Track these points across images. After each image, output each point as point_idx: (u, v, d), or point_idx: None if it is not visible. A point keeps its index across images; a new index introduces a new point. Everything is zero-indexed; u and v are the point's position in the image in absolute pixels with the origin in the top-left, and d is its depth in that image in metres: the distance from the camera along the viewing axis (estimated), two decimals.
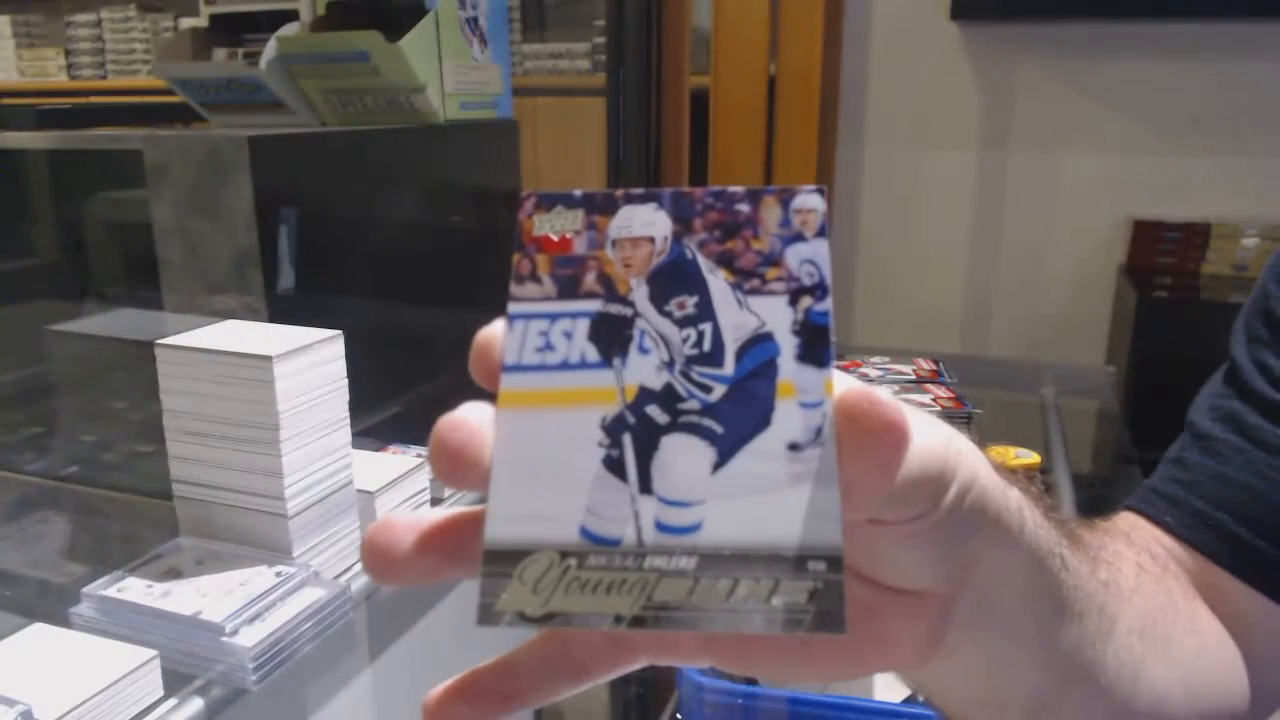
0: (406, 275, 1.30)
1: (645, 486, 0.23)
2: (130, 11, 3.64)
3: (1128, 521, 0.50)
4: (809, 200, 0.24)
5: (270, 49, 1.25)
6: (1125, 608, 0.38)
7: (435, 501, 0.98)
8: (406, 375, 1.27)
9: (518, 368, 0.23)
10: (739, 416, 0.23)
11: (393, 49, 1.22)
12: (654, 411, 0.23)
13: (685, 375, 0.23)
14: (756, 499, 0.22)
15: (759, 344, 0.23)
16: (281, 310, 1.03)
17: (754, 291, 0.24)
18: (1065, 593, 0.32)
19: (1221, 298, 2.06)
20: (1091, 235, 2.26)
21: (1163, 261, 2.17)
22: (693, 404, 0.23)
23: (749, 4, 2.14)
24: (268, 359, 0.75)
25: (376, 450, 1.01)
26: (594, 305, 0.24)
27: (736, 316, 0.23)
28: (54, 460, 1.10)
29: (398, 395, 1.23)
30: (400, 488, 0.92)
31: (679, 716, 0.91)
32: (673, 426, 0.23)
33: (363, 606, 0.86)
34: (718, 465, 0.22)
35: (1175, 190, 2.18)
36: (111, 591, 0.75)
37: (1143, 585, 0.41)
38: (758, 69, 2.18)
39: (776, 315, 0.23)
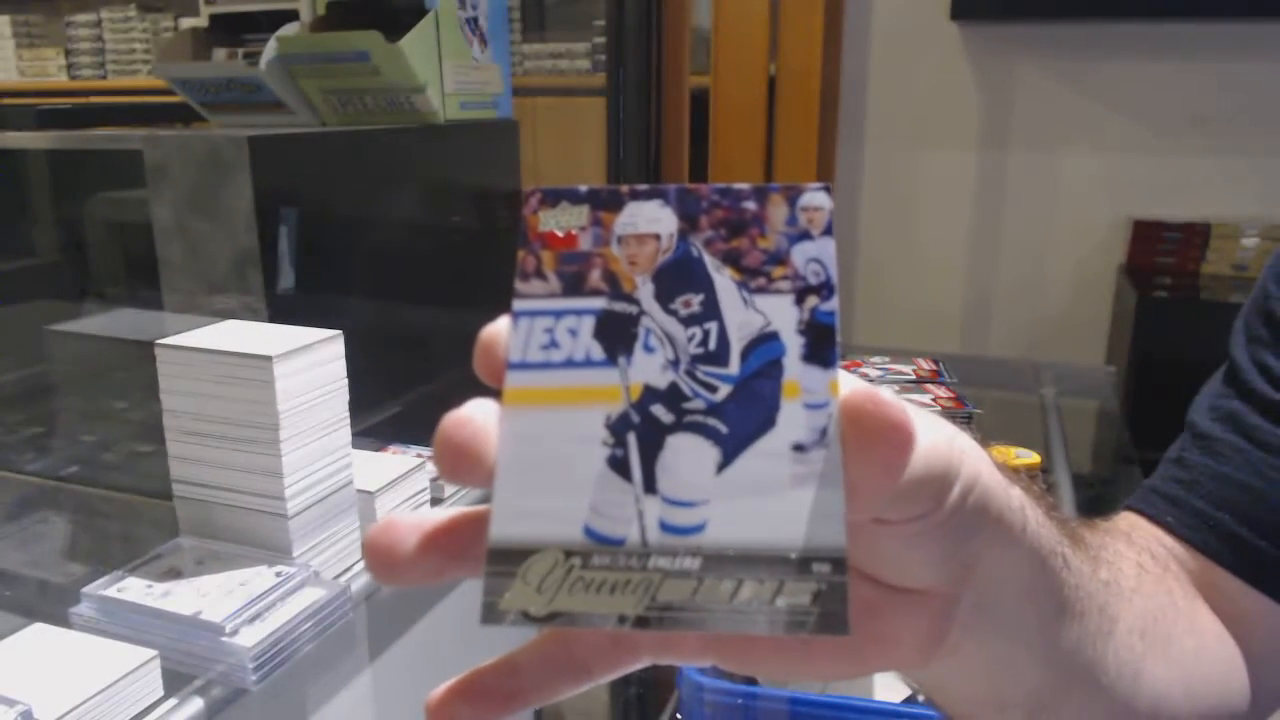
0: (406, 275, 1.30)
1: (650, 486, 0.22)
2: (130, 11, 3.64)
3: (1128, 521, 0.50)
4: (816, 198, 0.24)
5: (270, 49, 1.25)
6: (1126, 607, 0.38)
7: (436, 501, 0.98)
8: (406, 375, 1.27)
9: (522, 365, 0.23)
10: (744, 416, 0.23)
11: (393, 49, 1.22)
12: (659, 411, 0.23)
13: (690, 374, 0.23)
14: (761, 500, 0.22)
15: (764, 343, 0.23)
16: (281, 310, 1.03)
17: (760, 290, 0.23)
18: (1066, 592, 0.32)
19: (1221, 298, 2.06)
20: (1091, 235, 2.26)
21: (1163, 261, 2.17)
22: (698, 403, 0.23)
23: (749, 4, 2.14)
24: (268, 359, 0.75)
25: (376, 450, 1.01)
26: (599, 303, 0.24)
27: (742, 315, 0.23)
28: (54, 460, 1.10)
29: (398, 395, 1.23)
30: (400, 488, 0.92)
31: (679, 716, 0.91)
32: (677, 426, 0.23)
33: (363, 606, 0.86)
34: (722, 465, 0.22)
35: (1175, 190, 2.18)
36: (111, 591, 0.75)
37: (1143, 585, 0.41)
38: (758, 69, 2.18)
39: (782, 314, 0.23)
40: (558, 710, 1.46)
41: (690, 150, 1.94)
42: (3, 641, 0.69)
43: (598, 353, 0.23)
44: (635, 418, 0.23)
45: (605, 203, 0.24)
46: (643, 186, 0.24)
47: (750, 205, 0.24)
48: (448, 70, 1.31)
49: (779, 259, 0.24)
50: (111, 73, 3.70)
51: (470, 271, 1.42)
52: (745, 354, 0.23)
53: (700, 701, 0.87)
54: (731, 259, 0.24)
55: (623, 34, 1.71)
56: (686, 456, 0.23)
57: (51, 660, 0.67)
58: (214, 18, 1.38)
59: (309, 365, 0.78)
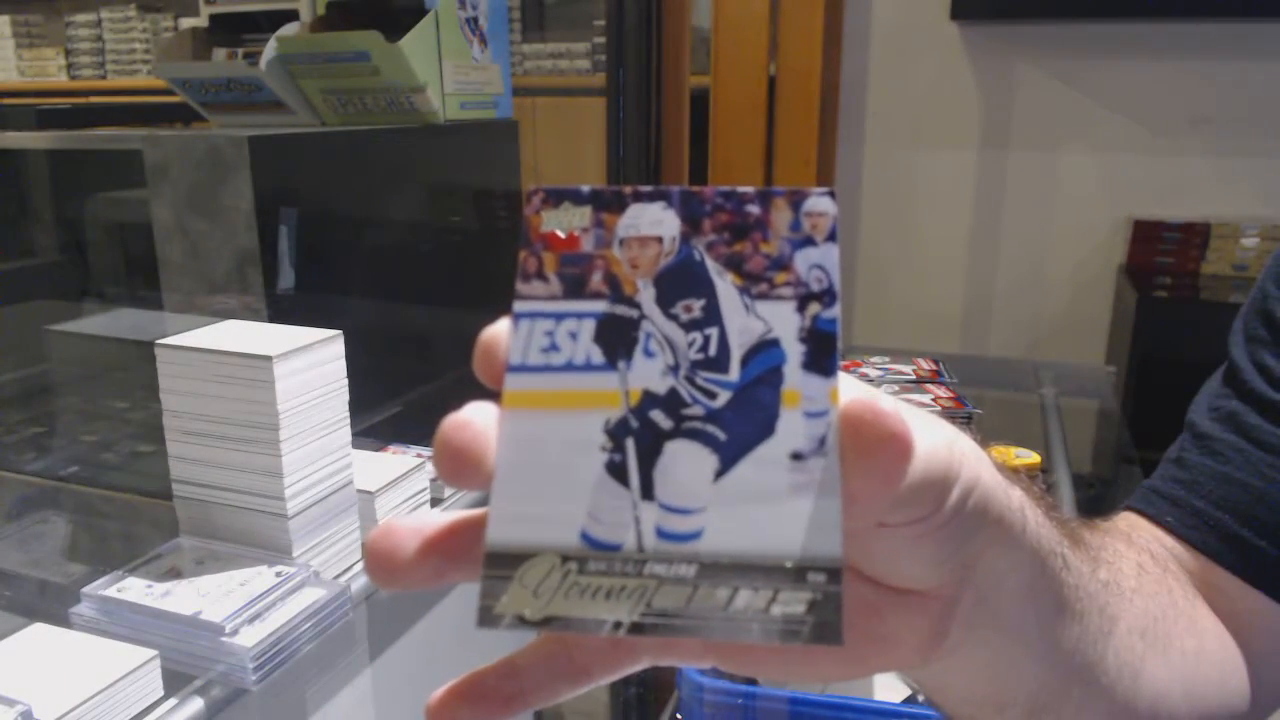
0: (406, 275, 1.30)
1: (647, 492, 0.22)
2: (130, 11, 3.64)
3: (1128, 522, 0.50)
4: (820, 203, 0.24)
5: (270, 49, 1.25)
6: (1126, 607, 0.38)
7: (435, 502, 0.98)
8: (406, 375, 1.27)
9: (522, 368, 0.23)
10: (743, 424, 0.23)
11: (393, 49, 1.22)
12: (657, 416, 0.23)
13: (690, 380, 0.23)
14: (758, 508, 0.22)
15: (765, 350, 0.23)
16: (281, 310, 1.03)
17: (762, 296, 0.23)
18: (1066, 592, 0.32)
19: (1221, 298, 2.06)
20: (1091, 235, 2.26)
21: (1163, 261, 2.17)
22: (697, 409, 0.23)
23: (749, 4, 2.14)
24: (268, 359, 0.75)
25: (376, 450, 1.01)
26: (600, 306, 0.24)
27: (743, 321, 0.23)
28: (54, 460, 1.10)
29: (398, 395, 1.23)
30: (400, 488, 0.92)
31: (679, 716, 0.91)
32: (676, 432, 0.23)
33: (363, 606, 0.86)
34: (720, 473, 0.22)
35: (1175, 190, 2.18)
36: (111, 591, 0.75)
37: (1144, 585, 0.42)
38: (758, 69, 2.18)
39: (784, 321, 0.23)
40: (558, 710, 1.46)
41: (690, 150, 1.94)
42: (3, 641, 0.69)
43: (598, 356, 0.23)
44: (634, 423, 0.23)
45: (608, 204, 0.24)
46: (646, 188, 0.24)
47: (754, 209, 0.24)
48: (448, 70, 1.31)
49: (781, 265, 0.24)
50: (111, 73, 3.70)
51: (470, 271, 1.42)
52: (745, 360, 0.23)
53: (700, 701, 0.87)
54: (734, 264, 0.24)
55: (623, 34, 1.71)
56: (684, 463, 0.23)
57: (51, 660, 0.67)
58: (214, 18, 1.38)
59: (309, 365, 0.78)
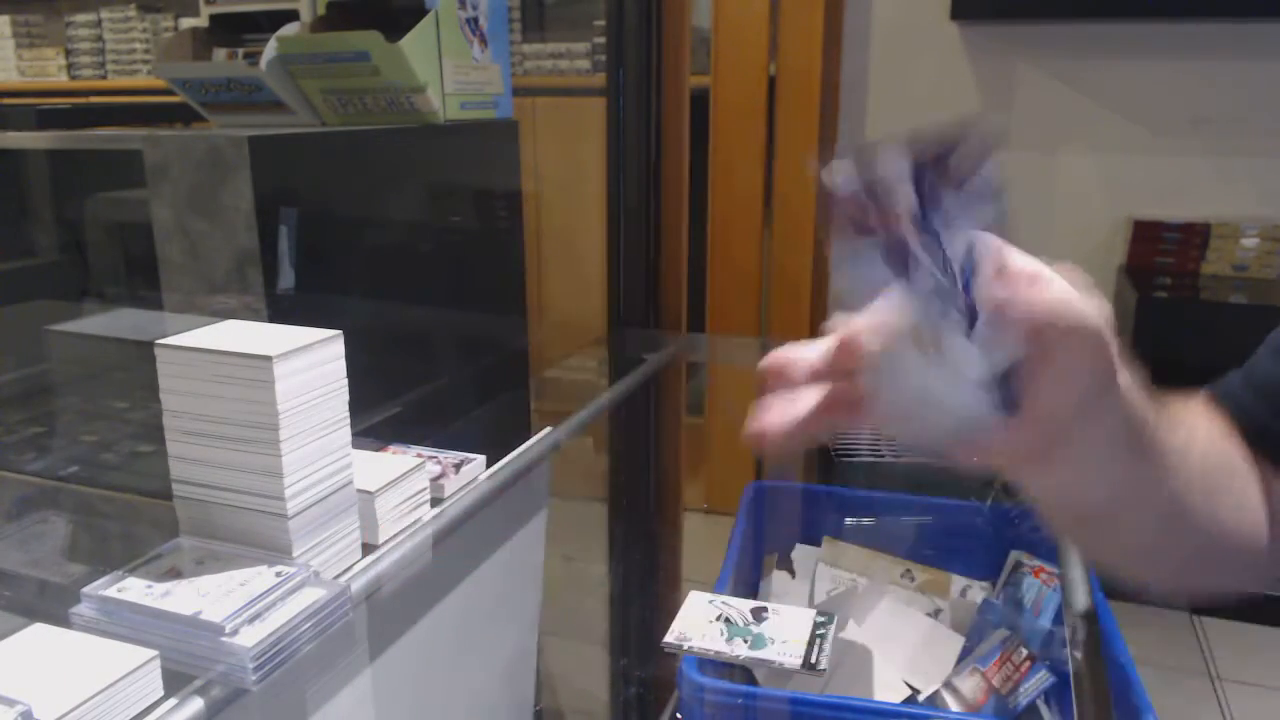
0: (406, 275, 1.30)
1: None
2: (130, 11, 3.64)
3: (1201, 399, 0.62)
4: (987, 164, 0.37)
5: (270, 49, 1.25)
6: (1187, 462, 0.50)
7: (436, 501, 0.98)
8: (406, 375, 1.27)
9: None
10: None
11: (393, 49, 1.22)
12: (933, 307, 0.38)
13: (940, 290, 0.38)
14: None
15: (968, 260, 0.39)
16: (281, 310, 1.03)
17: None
18: (1145, 438, 0.46)
19: (1221, 298, 2.06)
20: (1091, 235, 2.26)
21: (1163, 261, 2.17)
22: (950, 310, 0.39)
23: (749, 4, 2.14)
24: (268, 359, 0.75)
25: (376, 450, 1.00)
26: (885, 241, 0.37)
27: (964, 241, 0.38)
28: (54, 460, 1.10)
29: (398, 395, 1.23)
30: (400, 488, 0.92)
31: (679, 716, 0.91)
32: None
33: (363, 606, 0.86)
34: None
35: (1175, 190, 2.18)
36: (111, 591, 0.75)
37: (1208, 448, 0.54)
38: (758, 69, 2.18)
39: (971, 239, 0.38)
40: (558, 710, 1.46)
41: (690, 150, 1.94)
42: (3, 641, 0.69)
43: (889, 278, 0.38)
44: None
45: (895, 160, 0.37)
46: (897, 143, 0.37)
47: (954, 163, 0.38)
48: (448, 70, 1.31)
49: (972, 200, 0.39)
50: (111, 73, 3.70)
51: (470, 272, 1.42)
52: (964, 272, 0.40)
53: (700, 701, 0.87)
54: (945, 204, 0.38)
55: (623, 34, 1.71)
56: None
57: (51, 660, 0.67)
58: (214, 18, 1.38)
59: (309, 365, 0.78)
